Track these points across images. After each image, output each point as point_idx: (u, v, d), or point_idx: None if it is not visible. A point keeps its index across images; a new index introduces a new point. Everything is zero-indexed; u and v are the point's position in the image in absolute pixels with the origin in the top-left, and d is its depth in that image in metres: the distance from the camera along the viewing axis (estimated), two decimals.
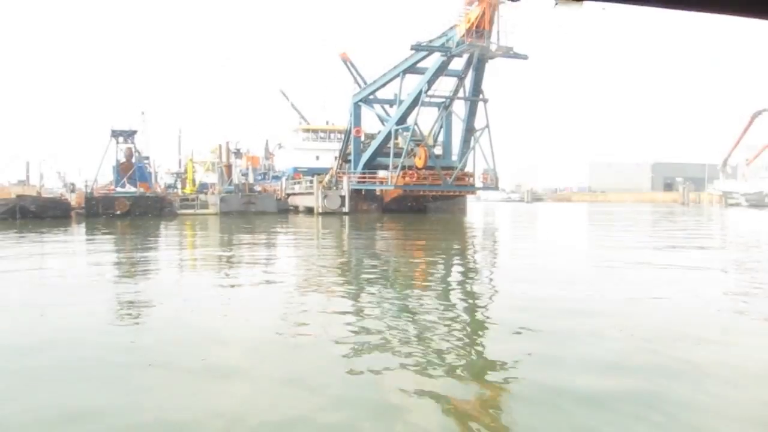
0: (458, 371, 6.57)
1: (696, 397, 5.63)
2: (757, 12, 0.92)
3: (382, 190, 48.79)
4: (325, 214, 47.03)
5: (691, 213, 56.31)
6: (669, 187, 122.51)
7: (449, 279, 14.43)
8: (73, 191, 53.29)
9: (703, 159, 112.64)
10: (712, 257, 18.57)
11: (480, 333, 8.57)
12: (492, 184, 50.73)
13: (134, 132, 53.51)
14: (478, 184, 50.74)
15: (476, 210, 65.02)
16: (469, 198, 58.31)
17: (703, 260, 17.10)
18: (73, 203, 47.74)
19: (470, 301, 11.29)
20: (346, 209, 47.63)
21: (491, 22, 39.72)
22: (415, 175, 46.36)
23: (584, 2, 0.80)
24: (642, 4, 0.79)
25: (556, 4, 1.23)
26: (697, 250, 20.41)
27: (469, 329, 8.72)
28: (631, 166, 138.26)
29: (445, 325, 8.67)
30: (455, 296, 11.79)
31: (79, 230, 33.72)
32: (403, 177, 46.11)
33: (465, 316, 9.68)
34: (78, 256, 20.49)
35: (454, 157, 49.34)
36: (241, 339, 7.95)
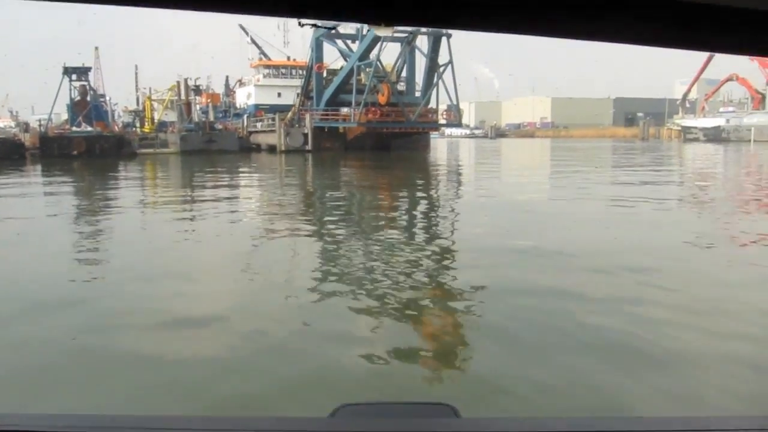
0: (419, 298, 6.97)
1: None
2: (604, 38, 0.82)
3: (345, 128, 48.38)
4: (288, 152, 46.69)
5: (648, 149, 57.56)
6: (630, 122, 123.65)
7: (412, 213, 14.80)
8: (26, 131, 51.50)
9: (664, 94, 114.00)
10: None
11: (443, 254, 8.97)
12: (455, 121, 50.80)
13: (88, 69, 51.57)
14: (442, 120, 50.72)
15: (440, 146, 65.21)
16: (433, 134, 58.23)
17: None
18: (27, 144, 46.28)
19: (431, 231, 11.67)
20: (309, 147, 47.29)
21: None
22: (378, 112, 46.05)
23: (394, 27, 0.73)
24: (477, 30, 0.70)
25: (369, 30, 1.33)
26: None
27: (430, 255, 9.11)
28: (592, 102, 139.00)
29: (409, 253, 9.04)
30: (417, 229, 12.18)
31: (35, 172, 33.00)
32: (366, 114, 45.76)
33: (425, 245, 10.06)
34: (38, 199, 20.22)
35: (418, 94, 48.98)
36: (208, 279, 8.20)
